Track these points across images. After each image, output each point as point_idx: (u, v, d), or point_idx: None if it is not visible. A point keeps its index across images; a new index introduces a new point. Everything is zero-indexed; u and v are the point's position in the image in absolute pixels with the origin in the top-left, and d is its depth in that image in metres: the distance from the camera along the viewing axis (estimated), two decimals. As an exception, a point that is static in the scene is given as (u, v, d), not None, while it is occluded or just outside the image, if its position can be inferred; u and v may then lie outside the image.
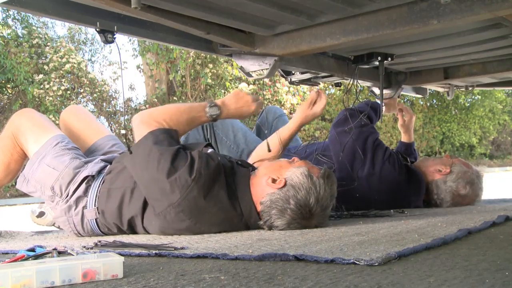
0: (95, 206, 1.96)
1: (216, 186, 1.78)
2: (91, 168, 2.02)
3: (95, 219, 1.96)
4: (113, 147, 2.26)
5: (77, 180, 1.99)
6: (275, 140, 2.27)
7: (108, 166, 2.05)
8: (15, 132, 2.11)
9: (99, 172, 2.04)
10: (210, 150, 1.92)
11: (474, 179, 2.60)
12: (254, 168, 1.96)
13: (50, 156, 2.05)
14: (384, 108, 2.79)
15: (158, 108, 2.06)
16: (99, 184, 1.99)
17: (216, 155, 1.87)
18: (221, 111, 2.04)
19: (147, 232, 1.90)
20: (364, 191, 2.48)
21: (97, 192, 1.98)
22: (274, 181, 1.79)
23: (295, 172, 1.79)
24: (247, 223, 1.84)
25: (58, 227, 2.31)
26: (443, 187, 2.59)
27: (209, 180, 1.77)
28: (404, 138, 3.13)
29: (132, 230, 1.94)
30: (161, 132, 1.88)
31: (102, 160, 2.10)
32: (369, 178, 2.50)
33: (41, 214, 2.25)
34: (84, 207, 1.98)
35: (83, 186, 1.99)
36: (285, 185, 1.77)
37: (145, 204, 1.87)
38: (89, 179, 1.99)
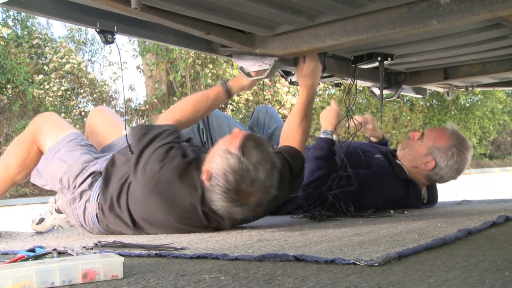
0: (97, 201, 2.01)
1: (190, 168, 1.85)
2: (100, 165, 2.09)
3: (96, 214, 2.01)
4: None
5: (85, 174, 2.06)
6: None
7: None
8: (35, 131, 2.23)
9: None
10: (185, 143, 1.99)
11: (460, 156, 2.52)
12: None
13: (63, 151, 2.14)
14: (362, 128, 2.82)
15: (173, 108, 2.22)
16: None
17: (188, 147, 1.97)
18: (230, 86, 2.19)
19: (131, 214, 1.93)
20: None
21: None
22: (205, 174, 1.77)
23: (215, 158, 1.72)
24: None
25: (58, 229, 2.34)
26: (438, 177, 2.60)
27: (183, 164, 1.85)
28: (374, 140, 3.07)
29: (130, 214, 1.94)
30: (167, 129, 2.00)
31: None
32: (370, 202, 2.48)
33: (40, 221, 2.31)
34: (87, 200, 2.03)
35: (89, 180, 2.05)
36: (210, 177, 1.72)
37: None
38: (95, 174, 2.06)
